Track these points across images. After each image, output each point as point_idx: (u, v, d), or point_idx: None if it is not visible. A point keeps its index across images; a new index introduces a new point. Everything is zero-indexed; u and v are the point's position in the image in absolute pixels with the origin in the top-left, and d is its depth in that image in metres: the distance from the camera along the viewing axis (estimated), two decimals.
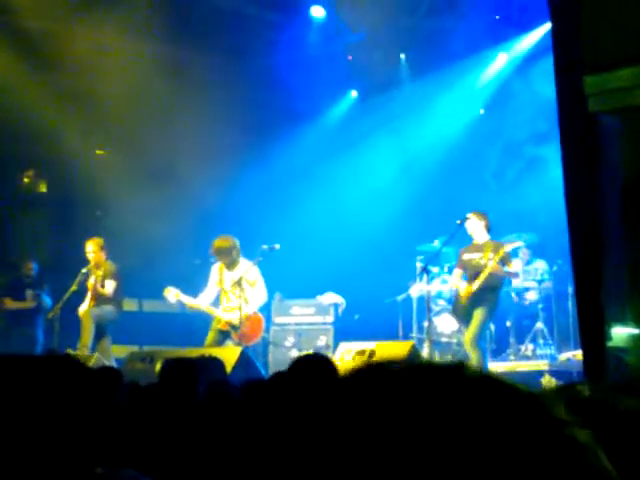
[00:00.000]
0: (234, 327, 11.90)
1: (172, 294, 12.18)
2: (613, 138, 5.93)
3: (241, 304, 11.82)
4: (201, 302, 12.19)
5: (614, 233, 6.06)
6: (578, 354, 12.36)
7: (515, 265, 11.96)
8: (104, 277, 12.81)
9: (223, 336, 12.01)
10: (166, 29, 13.92)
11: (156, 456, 3.84)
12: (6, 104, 14.09)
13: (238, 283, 11.93)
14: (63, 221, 15.87)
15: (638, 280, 5.95)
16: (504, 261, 11.52)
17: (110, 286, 12.81)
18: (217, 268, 12.31)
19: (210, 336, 12.03)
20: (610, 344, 5.89)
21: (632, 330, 5.94)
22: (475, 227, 11.65)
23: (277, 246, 12.40)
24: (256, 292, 12.14)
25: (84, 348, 12.23)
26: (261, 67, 15.55)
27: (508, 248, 11.64)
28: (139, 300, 15.34)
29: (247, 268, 12.08)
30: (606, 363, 5.84)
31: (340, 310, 14.20)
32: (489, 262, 11.36)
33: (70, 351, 11.88)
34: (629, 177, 5.87)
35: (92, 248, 12.91)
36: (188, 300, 12.23)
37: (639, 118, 5.76)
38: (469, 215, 11.72)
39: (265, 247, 12.46)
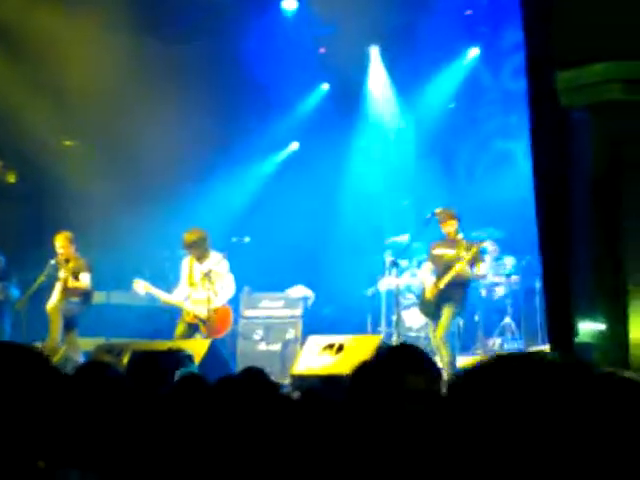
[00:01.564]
0: (202, 320, 11.89)
1: (141, 286, 12.15)
2: (583, 134, 5.95)
3: (209, 296, 11.81)
4: (169, 295, 12.17)
5: (582, 229, 6.09)
6: (545, 349, 12.44)
7: (483, 267, 12.00)
8: (78, 271, 12.70)
9: (192, 329, 11.99)
10: (135, 18, 13.81)
11: (119, 451, 3.81)
12: None
13: (207, 275, 11.92)
14: (31, 212, 15.76)
15: (604, 276, 5.97)
16: (474, 261, 11.57)
17: (86, 279, 12.70)
18: (187, 261, 12.29)
19: (179, 329, 12.01)
20: (577, 340, 5.92)
21: (599, 326, 5.97)
22: (448, 224, 11.68)
23: (247, 239, 12.42)
24: (224, 285, 12.13)
25: (52, 342, 12.16)
26: (232, 59, 15.49)
27: (480, 246, 11.70)
28: (107, 292, 15.24)
29: (216, 261, 12.07)
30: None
31: (309, 303, 14.19)
32: (459, 261, 11.42)
33: (38, 345, 11.80)
34: (597, 173, 5.90)
35: (61, 243, 12.78)
36: (157, 292, 12.21)
37: (609, 114, 5.78)
38: (439, 211, 11.76)
39: (234, 239, 12.49)
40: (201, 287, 12.04)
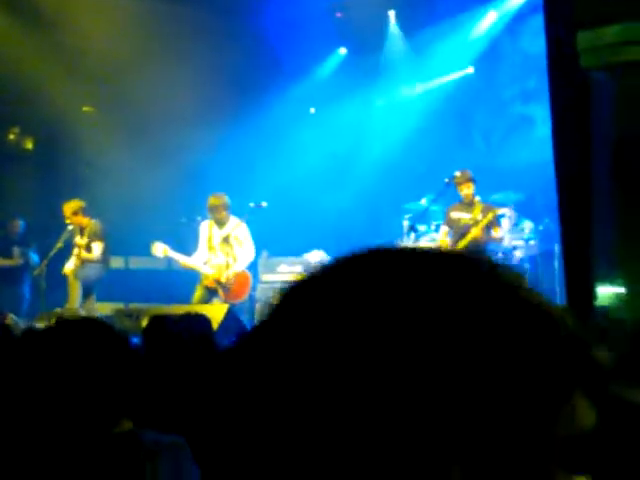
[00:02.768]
0: (221, 284, 11.91)
1: (160, 249, 12.15)
2: (605, 95, 5.89)
3: (228, 261, 11.83)
4: (189, 258, 12.18)
5: (604, 192, 6.04)
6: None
7: (500, 231, 11.96)
8: (90, 240, 12.70)
9: (210, 293, 12.02)
10: None
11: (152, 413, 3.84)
12: None
13: (226, 240, 11.93)
14: (49, 178, 15.77)
15: (628, 239, 5.93)
16: (490, 225, 11.54)
17: (97, 249, 12.71)
18: (207, 225, 12.30)
19: (197, 293, 12.03)
20: (596, 303, 5.89)
21: (620, 289, 5.94)
22: (465, 186, 11.64)
23: (264, 204, 12.40)
24: (244, 250, 12.15)
25: (71, 307, 12.21)
26: (248, 23, 15.44)
27: (497, 212, 11.65)
28: (125, 257, 15.27)
29: (235, 225, 12.07)
30: (590, 323, 5.83)
31: None
32: (475, 225, 11.38)
33: (58, 310, 11.85)
34: (620, 134, 5.84)
35: (67, 212, 12.76)
36: (176, 256, 12.23)
37: (631, 74, 5.71)
38: (458, 173, 11.72)
39: (252, 205, 12.48)
40: (220, 252, 12.06)
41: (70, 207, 12.79)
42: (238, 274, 12.00)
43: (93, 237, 12.71)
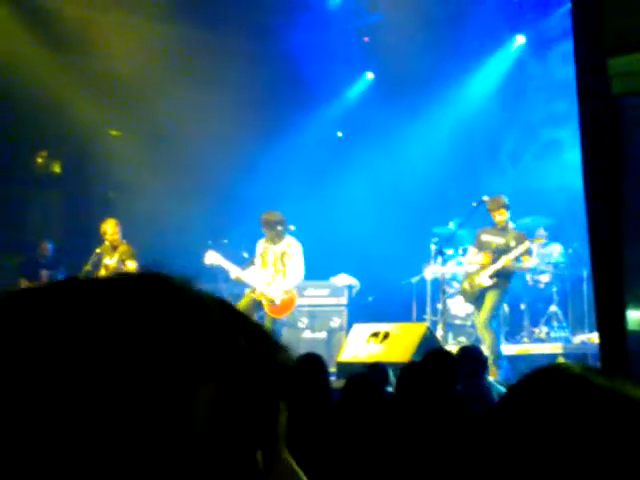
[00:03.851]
0: (268, 299, 11.99)
1: (213, 257, 12.26)
2: (636, 121, 5.88)
3: (278, 278, 11.94)
4: (240, 271, 12.32)
5: (634, 215, 6.02)
6: (592, 337, 12.35)
7: (530, 260, 11.94)
8: (126, 257, 12.74)
9: (256, 306, 12.07)
10: (184, 10, 13.89)
11: None
12: (21, 84, 14.06)
13: (278, 257, 12.10)
14: (77, 201, 15.86)
15: None
16: (521, 255, 11.53)
17: (132, 266, 12.74)
18: (262, 241, 12.44)
19: (242, 302, 12.07)
20: (627, 328, 5.85)
21: None
22: (499, 212, 11.62)
23: (292, 227, 12.44)
24: (294, 268, 12.22)
25: None
26: (277, 49, 15.52)
27: (531, 244, 11.62)
28: None
29: (289, 243, 12.27)
30: (621, 347, 5.81)
31: (354, 292, 14.17)
32: (507, 251, 11.36)
33: None
34: None
35: (111, 229, 12.83)
36: (229, 266, 12.29)
37: None
38: (487, 199, 11.72)
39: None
40: (271, 268, 12.20)
41: (115, 223, 12.86)
42: (285, 292, 12.08)
43: (127, 257, 12.74)
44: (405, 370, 5.92)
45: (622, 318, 5.90)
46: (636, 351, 5.53)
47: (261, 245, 12.43)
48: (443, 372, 6.23)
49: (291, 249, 12.28)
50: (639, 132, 5.87)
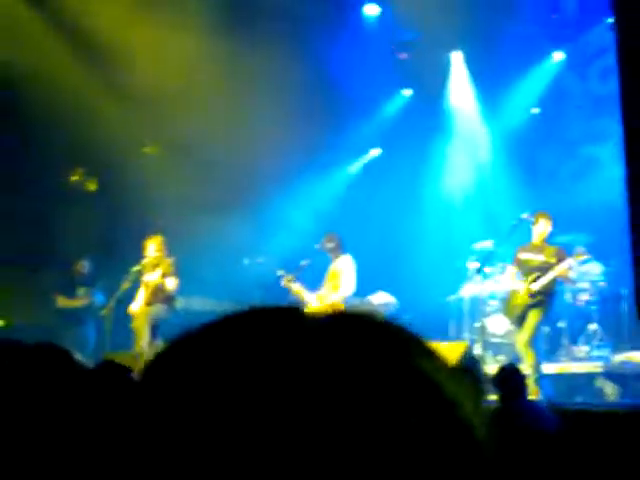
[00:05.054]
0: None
1: (285, 279, 12.64)
2: None
3: (328, 292, 12.49)
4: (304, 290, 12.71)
5: None
6: (634, 356, 12.21)
7: (572, 274, 11.88)
8: (167, 274, 12.69)
9: None
10: (220, 25, 13.89)
11: None
12: (59, 100, 14.10)
13: (332, 274, 12.60)
14: (114, 219, 15.89)
15: None
16: (565, 271, 11.42)
17: (172, 283, 12.71)
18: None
19: None
20: None
21: None
22: (543, 228, 11.50)
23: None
24: (344, 282, 12.47)
25: (139, 348, 12.19)
26: (313, 64, 15.48)
27: (572, 261, 11.50)
28: (186, 297, 15.28)
29: (342, 260, 12.62)
30: None
31: (391, 310, 14.11)
32: (550, 268, 11.23)
33: (126, 352, 11.97)
34: None
35: (157, 246, 12.80)
36: (295, 287, 12.71)
37: None
38: (525, 215, 11.61)
39: (317, 246, 12.64)
40: (328, 284, 12.63)
41: (160, 240, 12.86)
42: (333, 304, 12.24)
43: (169, 274, 12.69)
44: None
45: None
46: None
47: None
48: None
49: (342, 265, 12.65)
50: None
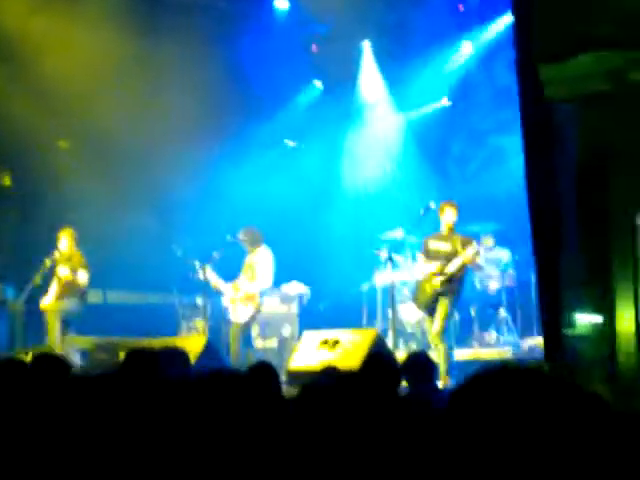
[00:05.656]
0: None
1: (206, 272, 12.71)
2: (569, 126, 5.98)
3: (244, 282, 12.69)
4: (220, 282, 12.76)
5: (571, 221, 6.12)
6: (541, 342, 12.49)
7: (480, 260, 12.11)
8: (78, 267, 12.63)
9: None
10: (131, 19, 13.85)
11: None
12: None
13: (247, 266, 12.73)
14: (26, 213, 15.72)
15: (593, 268, 6.01)
16: (473, 257, 11.59)
17: (84, 277, 12.67)
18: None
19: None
20: (567, 332, 5.95)
21: (588, 318, 6.01)
22: (450, 217, 11.61)
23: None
24: (260, 275, 12.69)
25: (51, 341, 12.15)
26: (225, 58, 15.50)
27: (479, 248, 11.68)
28: (102, 291, 15.22)
29: (261, 253, 12.80)
30: (563, 350, 5.90)
31: (305, 300, 14.22)
32: (462, 254, 11.37)
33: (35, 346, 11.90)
34: (582, 164, 5.93)
35: (67, 239, 12.75)
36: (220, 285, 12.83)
37: (592, 105, 5.80)
38: (432, 204, 11.75)
39: (229, 238, 12.64)
40: (243, 276, 12.74)
41: (71, 233, 12.79)
42: (248, 294, 12.59)
43: (80, 266, 12.64)
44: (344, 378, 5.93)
45: (559, 322, 6.00)
46: (571, 352, 5.63)
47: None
48: (383, 377, 6.25)
49: (256, 258, 12.78)
50: (570, 135, 5.97)
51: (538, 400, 1.34)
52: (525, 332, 13.44)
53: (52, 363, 5.54)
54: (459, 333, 13.46)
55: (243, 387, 2.97)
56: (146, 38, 14.27)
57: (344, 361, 9.76)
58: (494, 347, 13.36)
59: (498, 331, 13.65)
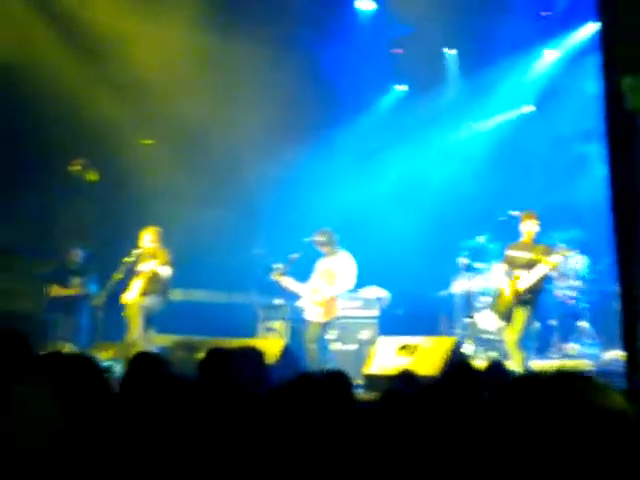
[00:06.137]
0: None
1: (275, 272, 12.81)
2: None
3: (323, 286, 12.73)
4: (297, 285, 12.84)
5: None
6: (623, 354, 12.25)
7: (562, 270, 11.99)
8: (161, 264, 12.73)
9: None
10: (216, 21, 13.98)
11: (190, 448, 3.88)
12: (59, 94, 14.17)
13: (328, 270, 12.78)
14: (111, 210, 15.94)
15: None
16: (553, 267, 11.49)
17: (168, 273, 12.80)
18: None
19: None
20: None
21: None
22: (531, 227, 11.54)
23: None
24: (342, 279, 12.76)
25: (132, 337, 12.28)
26: (308, 60, 15.55)
27: (559, 258, 11.55)
28: (185, 289, 15.36)
29: (342, 258, 12.87)
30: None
31: (384, 304, 14.18)
32: (544, 262, 11.27)
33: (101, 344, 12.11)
34: None
35: (151, 237, 12.90)
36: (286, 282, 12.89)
37: None
38: (514, 212, 11.67)
39: (306, 239, 12.70)
40: (322, 279, 12.82)
41: (156, 231, 12.94)
42: (327, 298, 12.66)
43: (164, 263, 12.72)
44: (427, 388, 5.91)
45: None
46: None
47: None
48: (468, 387, 6.22)
49: (335, 263, 12.82)
50: None
51: (566, 408, 1.41)
52: (607, 344, 13.20)
53: (150, 362, 5.59)
54: (539, 343, 13.30)
55: (317, 399, 2.97)
56: (230, 39, 14.38)
57: (421, 367, 9.73)
58: (573, 358, 13.17)
59: (579, 342, 13.45)
